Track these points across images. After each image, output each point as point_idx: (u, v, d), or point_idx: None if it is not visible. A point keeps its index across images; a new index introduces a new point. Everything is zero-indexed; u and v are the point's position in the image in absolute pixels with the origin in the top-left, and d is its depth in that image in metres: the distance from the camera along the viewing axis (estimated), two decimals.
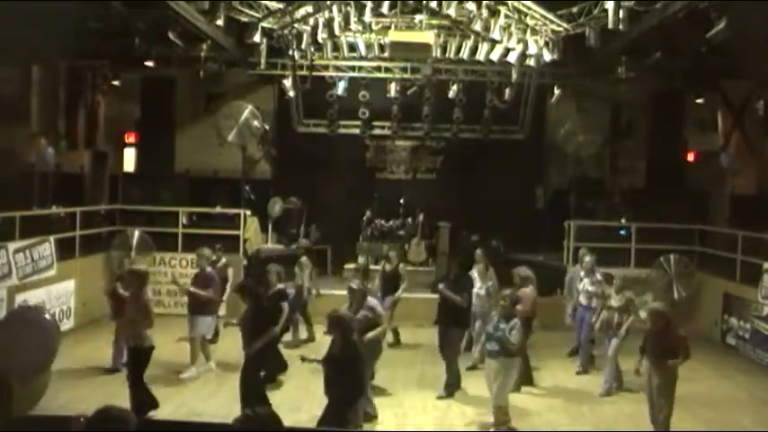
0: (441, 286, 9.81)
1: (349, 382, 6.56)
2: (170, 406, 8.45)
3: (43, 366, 6.16)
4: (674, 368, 7.51)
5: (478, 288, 10.41)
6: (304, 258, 11.97)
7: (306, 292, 11.72)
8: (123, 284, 9.52)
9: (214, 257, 11.06)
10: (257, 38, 13.30)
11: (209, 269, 10.20)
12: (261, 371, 8.19)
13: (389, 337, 11.26)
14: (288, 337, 10.59)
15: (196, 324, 9.84)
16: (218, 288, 10.17)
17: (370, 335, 8.02)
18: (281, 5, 13.16)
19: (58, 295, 11.67)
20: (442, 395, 9.31)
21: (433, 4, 12.23)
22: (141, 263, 13.12)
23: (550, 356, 11.15)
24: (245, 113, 14.31)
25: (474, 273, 10.56)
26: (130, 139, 16.89)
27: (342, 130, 16.60)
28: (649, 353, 7.69)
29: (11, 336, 6.03)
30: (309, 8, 13.13)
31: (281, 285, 9.58)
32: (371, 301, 8.43)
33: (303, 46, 13.63)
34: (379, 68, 15.87)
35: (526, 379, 9.64)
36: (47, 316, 6.29)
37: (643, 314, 9.09)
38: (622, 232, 14.36)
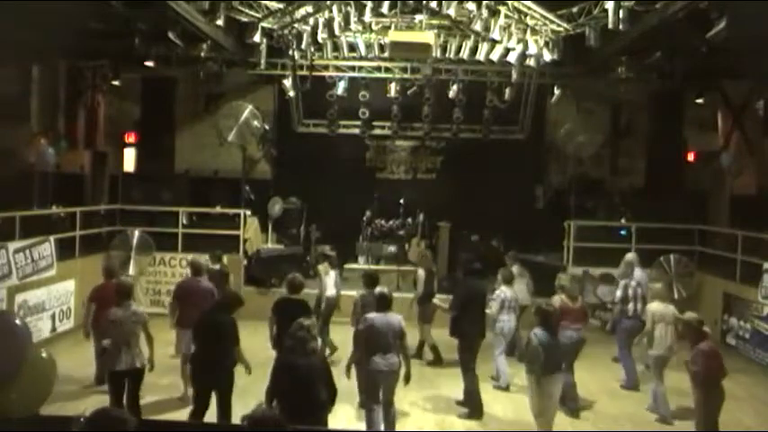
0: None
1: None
2: (170, 406, 8.46)
3: (14, 373, 6.08)
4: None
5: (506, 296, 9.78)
6: (322, 266, 11.17)
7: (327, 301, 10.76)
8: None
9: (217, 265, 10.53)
10: (257, 38, 13.29)
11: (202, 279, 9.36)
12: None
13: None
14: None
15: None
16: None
17: None
18: (281, 5, 13.15)
19: (58, 295, 11.67)
20: (461, 414, 8.78)
21: (433, 4, 12.20)
22: (142, 263, 13.23)
23: None
24: (245, 113, 14.32)
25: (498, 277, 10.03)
26: (130, 139, 16.88)
27: (342, 130, 16.64)
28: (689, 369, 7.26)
29: None
30: (309, 8, 13.13)
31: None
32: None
33: (303, 46, 13.61)
34: (379, 68, 15.87)
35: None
36: (17, 321, 6.20)
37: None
38: (622, 232, 14.35)
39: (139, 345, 7.45)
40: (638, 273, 10.56)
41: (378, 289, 7.84)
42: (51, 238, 11.54)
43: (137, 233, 13.21)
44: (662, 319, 8.76)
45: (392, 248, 15.09)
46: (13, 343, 5.98)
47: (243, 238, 14.05)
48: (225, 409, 7.19)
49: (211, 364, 7.12)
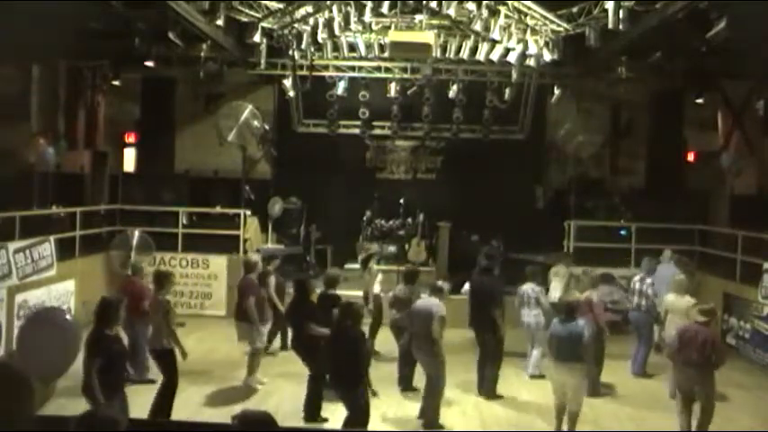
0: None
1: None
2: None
3: (65, 367, 6.17)
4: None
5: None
6: (372, 264, 11.71)
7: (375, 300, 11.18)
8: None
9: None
10: (257, 38, 13.30)
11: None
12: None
13: None
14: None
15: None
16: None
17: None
18: (281, 5, 13.16)
19: (57, 295, 11.65)
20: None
21: (433, 4, 12.21)
22: (142, 263, 13.21)
23: None
24: (245, 113, 14.31)
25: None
26: (130, 139, 16.87)
27: (342, 130, 16.64)
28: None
29: (34, 336, 6.04)
30: (309, 8, 13.13)
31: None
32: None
33: (303, 46, 13.62)
34: (379, 68, 15.88)
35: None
36: (68, 317, 6.30)
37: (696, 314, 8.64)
38: (622, 232, 14.35)
39: (162, 330, 7.95)
40: (660, 268, 11.14)
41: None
42: (51, 238, 11.53)
43: (137, 233, 13.19)
44: (673, 310, 9.35)
45: (392, 248, 15.10)
46: (66, 338, 6.03)
47: (243, 238, 14.06)
48: None
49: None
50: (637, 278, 10.78)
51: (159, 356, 8.03)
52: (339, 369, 7.13)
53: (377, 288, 11.25)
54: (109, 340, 6.52)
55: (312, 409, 8.21)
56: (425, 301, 8.45)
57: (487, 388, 9.34)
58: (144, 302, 9.22)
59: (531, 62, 13.40)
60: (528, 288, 10.23)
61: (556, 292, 11.14)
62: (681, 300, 9.41)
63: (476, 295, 9.64)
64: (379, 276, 11.53)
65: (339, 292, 10.81)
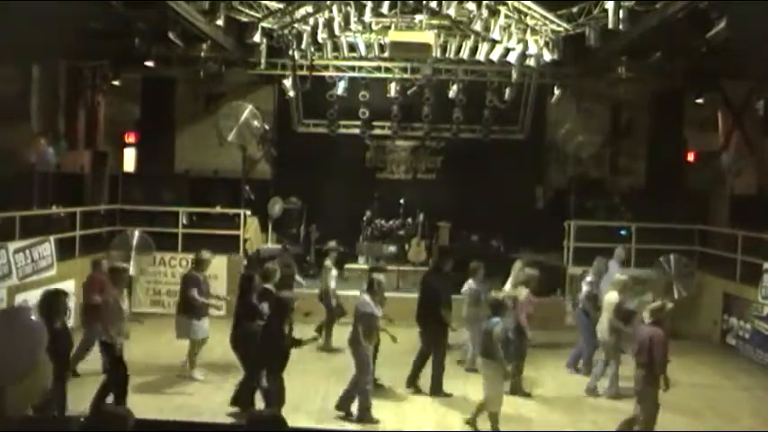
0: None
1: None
2: (170, 405, 8.46)
3: (29, 367, 6.18)
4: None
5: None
6: (328, 261, 11.85)
7: (331, 296, 11.51)
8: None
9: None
10: (257, 38, 13.31)
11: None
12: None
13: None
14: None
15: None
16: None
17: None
18: (281, 5, 13.17)
19: None
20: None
21: (433, 4, 12.22)
22: (142, 263, 13.23)
23: (551, 357, 11.15)
24: (245, 113, 14.31)
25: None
26: (130, 139, 16.87)
27: (342, 130, 16.64)
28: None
29: None
30: (309, 8, 13.14)
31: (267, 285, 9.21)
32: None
33: (303, 46, 13.62)
34: (379, 68, 15.89)
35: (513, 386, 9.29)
36: (33, 317, 6.32)
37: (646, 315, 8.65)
38: (622, 232, 14.35)
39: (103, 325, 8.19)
40: (610, 267, 11.33)
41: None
42: (51, 238, 11.54)
43: (137, 233, 13.17)
44: (606, 308, 9.52)
45: (392, 248, 15.09)
46: (29, 339, 6.03)
47: (243, 238, 14.05)
48: None
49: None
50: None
51: (101, 349, 8.42)
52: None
53: (332, 285, 11.43)
54: (50, 333, 6.59)
55: (237, 399, 8.33)
56: (361, 298, 8.48)
57: (433, 386, 9.38)
58: (94, 297, 9.30)
59: (531, 62, 13.40)
60: (468, 285, 10.36)
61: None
62: (609, 296, 9.55)
63: (422, 293, 9.86)
64: (334, 272, 11.65)
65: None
